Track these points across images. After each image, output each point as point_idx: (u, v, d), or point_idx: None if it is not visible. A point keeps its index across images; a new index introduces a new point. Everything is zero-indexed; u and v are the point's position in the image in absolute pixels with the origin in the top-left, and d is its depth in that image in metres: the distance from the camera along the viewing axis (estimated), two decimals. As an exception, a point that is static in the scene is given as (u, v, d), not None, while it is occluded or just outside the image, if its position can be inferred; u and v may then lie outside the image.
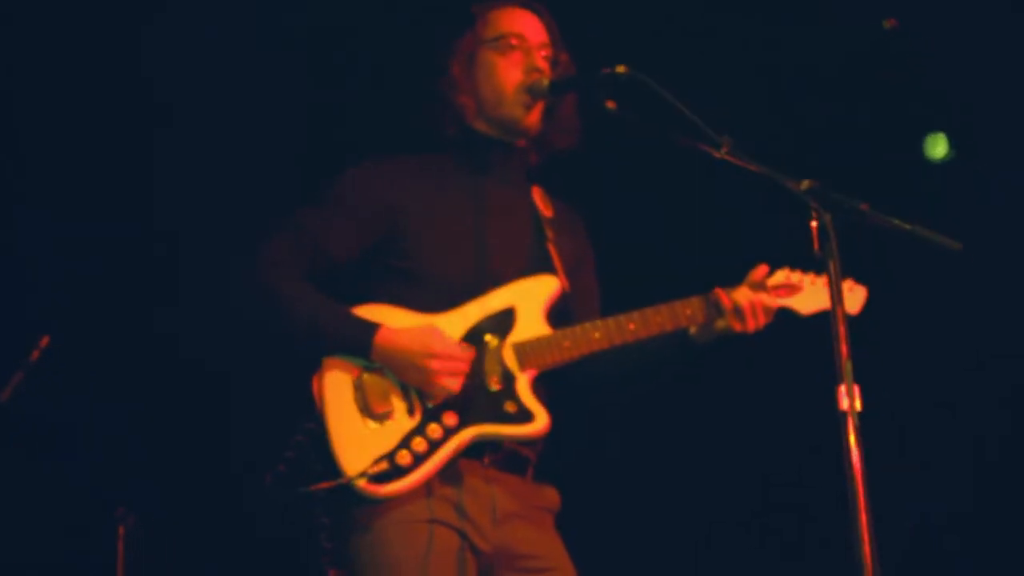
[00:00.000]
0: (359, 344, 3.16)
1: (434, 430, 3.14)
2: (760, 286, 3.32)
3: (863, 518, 2.62)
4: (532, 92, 3.39)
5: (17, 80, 5.20)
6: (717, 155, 3.03)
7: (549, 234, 3.43)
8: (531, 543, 3.25)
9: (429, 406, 3.17)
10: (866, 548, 2.62)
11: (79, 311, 5.28)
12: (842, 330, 2.75)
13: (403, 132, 3.57)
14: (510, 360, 3.22)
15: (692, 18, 5.43)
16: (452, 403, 3.17)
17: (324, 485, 3.09)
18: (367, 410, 3.15)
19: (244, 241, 3.32)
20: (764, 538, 5.69)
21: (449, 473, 3.16)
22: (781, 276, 3.36)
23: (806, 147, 5.37)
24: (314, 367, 3.21)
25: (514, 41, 3.43)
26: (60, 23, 5.16)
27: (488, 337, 3.24)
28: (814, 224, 2.82)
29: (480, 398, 3.18)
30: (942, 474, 5.47)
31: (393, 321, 3.20)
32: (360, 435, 3.12)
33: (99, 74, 5.24)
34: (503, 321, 3.25)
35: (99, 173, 5.37)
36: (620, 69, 3.13)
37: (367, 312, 3.24)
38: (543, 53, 3.45)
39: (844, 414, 2.69)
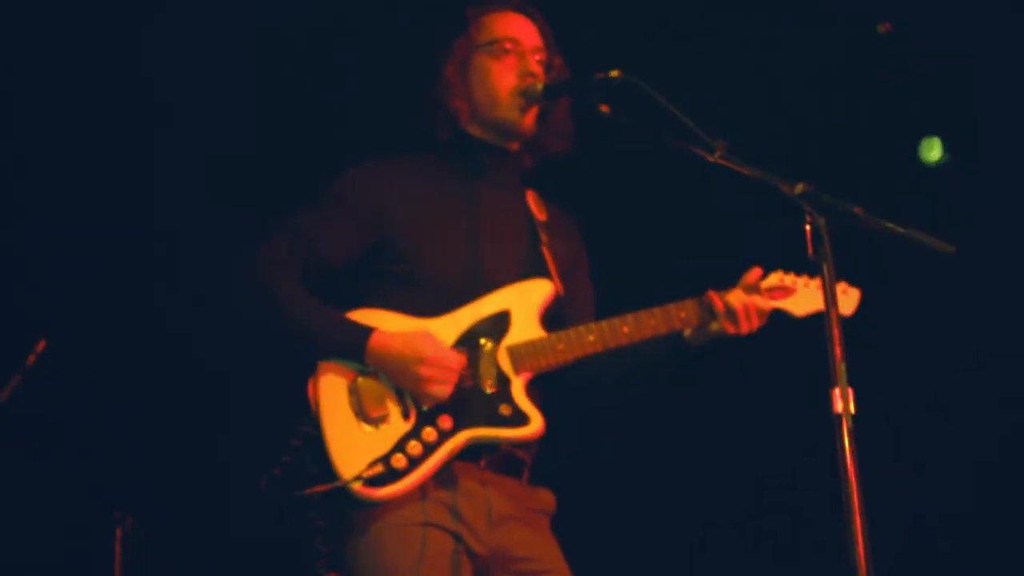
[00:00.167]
0: (353, 348, 3.17)
1: (429, 433, 3.15)
2: (754, 288, 3.33)
3: (857, 520, 2.62)
4: (526, 96, 3.39)
5: (17, 80, 5.20)
6: (711, 159, 3.03)
7: (543, 237, 3.44)
8: (527, 545, 3.25)
9: (424, 409, 3.17)
10: (860, 551, 2.62)
11: (78, 311, 5.28)
12: (836, 333, 2.75)
13: (400, 133, 3.57)
14: (505, 363, 3.23)
15: (685, 22, 5.43)
16: (447, 406, 3.17)
17: (319, 488, 3.10)
18: (362, 414, 3.15)
19: (243, 241, 3.32)
20: (758, 540, 5.69)
21: (444, 476, 3.16)
22: (775, 278, 3.37)
23: (800, 150, 5.37)
24: (310, 370, 3.21)
25: (508, 45, 3.43)
26: (60, 23, 5.16)
27: (483, 340, 3.24)
28: (808, 227, 2.83)
29: (475, 401, 3.18)
30: (936, 477, 5.47)
31: (388, 325, 3.20)
32: (355, 438, 3.13)
33: (99, 74, 5.24)
34: (498, 324, 3.26)
35: (99, 173, 5.37)
36: (614, 73, 3.13)
37: (362, 316, 3.24)
38: (537, 57, 3.45)
39: (838, 417, 2.69)
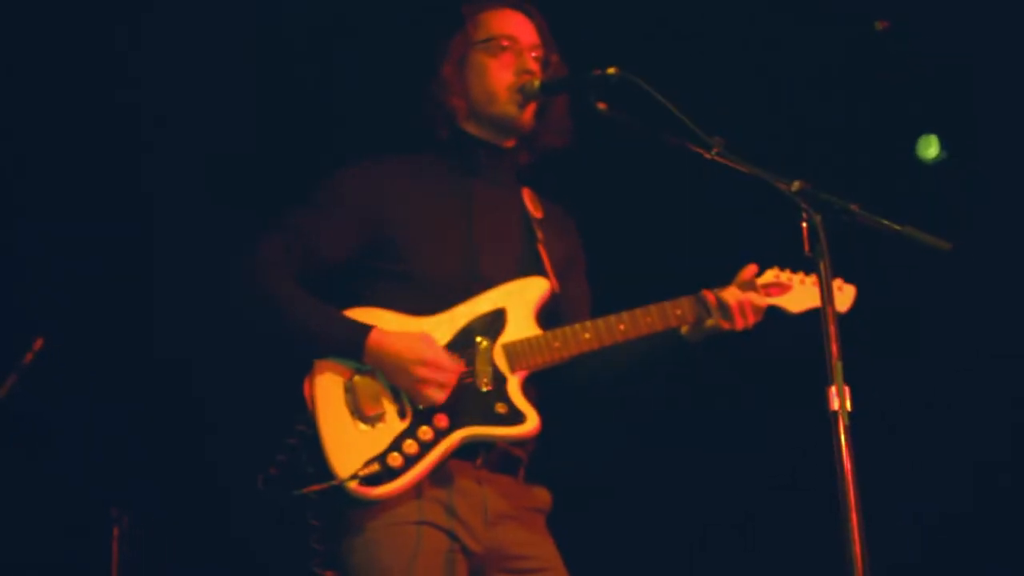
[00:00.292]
0: (351, 346, 3.16)
1: (425, 432, 3.14)
2: (749, 285, 3.33)
3: (853, 519, 2.63)
4: (524, 93, 3.39)
5: (16, 80, 5.20)
6: (708, 156, 3.04)
7: (539, 235, 3.44)
8: (523, 544, 3.26)
9: (420, 408, 3.17)
10: (856, 548, 2.62)
11: (76, 310, 5.28)
12: (833, 330, 2.75)
13: (397, 132, 3.57)
14: (500, 361, 3.23)
15: (683, 20, 5.43)
16: (443, 405, 3.16)
17: (315, 487, 3.09)
18: (358, 412, 3.15)
19: (241, 241, 3.32)
20: (755, 539, 5.69)
21: (440, 475, 3.16)
22: (771, 275, 3.37)
23: (798, 148, 5.37)
24: (306, 369, 3.21)
25: (505, 43, 3.43)
26: (59, 23, 5.16)
27: (478, 338, 3.24)
28: (804, 224, 2.83)
29: (471, 400, 3.18)
30: (933, 475, 5.47)
31: (384, 324, 3.20)
32: (351, 437, 3.12)
33: (99, 74, 5.24)
34: (493, 322, 3.26)
35: (98, 173, 5.37)
36: (611, 70, 3.14)
37: (358, 314, 3.24)
38: (534, 54, 3.45)
39: (834, 414, 2.69)
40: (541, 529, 3.34)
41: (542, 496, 3.38)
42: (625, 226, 5.50)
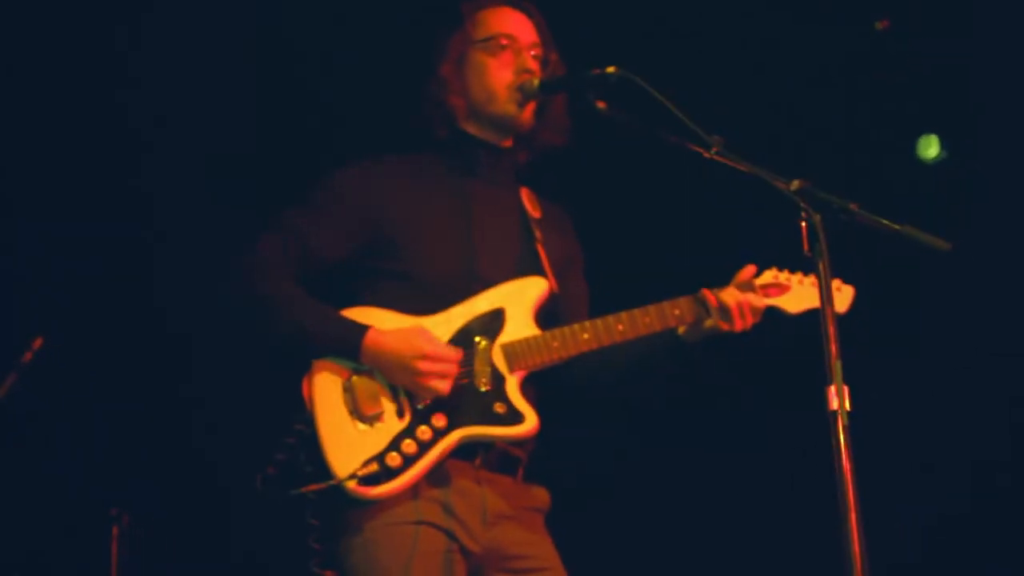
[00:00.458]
0: (348, 346, 3.16)
1: (424, 432, 3.14)
2: (748, 286, 3.32)
3: (852, 518, 2.62)
4: (523, 92, 3.39)
5: (16, 80, 5.20)
6: (707, 155, 3.04)
7: (538, 235, 3.43)
8: (521, 544, 3.25)
9: (418, 408, 3.16)
10: (856, 548, 2.62)
11: (76, 310, 5.28)
12: (832, 330, 2.75)
13: (395, 133, 3.57)
14: (499, 361, 3.22)
15: (682, 19, 5.43)
16: (441, 405, 3.16)
17: (314, 487, 3.09)
18: (357, 412, 3.15)
19: (241, 241, 3.32)
20: (755, 538, 5.68)
21: (439, 474, 3.16)
22: (769, 276, 3.37)
23: (798, 147, 5.37)
24: (304, 369, 3.21)
25: (504, 41, 3.43)
26: (59, 23, 5.16)
27: (477, 338, 3.24)
28: (804, 224, 2.83)
29: (469, 399, 3.18)
30: (933, 474, 5.47)
31: (382, 323, 3.20)
32: (350, 437, 3.12)
33: (99, 74, 5.24)
34: (492, 322, 3.25)
35: (98, 173, 5.37)
36: (610, 69, 3.14)
37: (356, 314, 3.24)
38: (533, 53, 3.44)
39: (833, 414, 2.69)
40: (540, 529, 3.34)
41: (541, 496, 3.37)
42: (624, 226, 5.50)
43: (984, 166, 5.60)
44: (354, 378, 3.17)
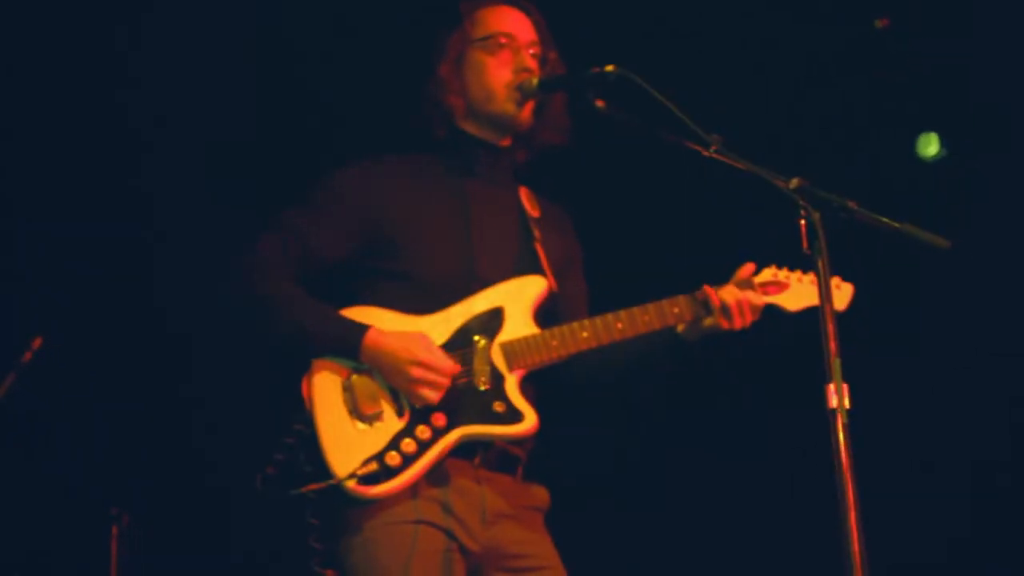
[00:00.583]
0: (348, 345, 3.16)
1: (423, 431, 3.14)
2: (747, 284, 3.32)
3: (852, 516, 2.62)
4: (522, 91, 3.39)
5: (16, 80, 5.20)
6: (706, 154, 3.04)
7: (536, 234, 3.43)
8: (521, 543, 3.25)
9: (417, 407, 3.16)
10: (856, 547, 2.62)
11: (76, 310, 5.28)
12: (831, 328, 2.75)
13: (393, 133, 3.57)
14: (498, 360, 3.22)
15: (682, 18, 5.43)
16: (441, 404, 3.16)
17: (313, 487, 3.09)
18: (356, 411, 3.15)
19: (240, 241, 3.32)
20: (755, 537, 5.68)
21: (438, 473, 3.15)
22: (768, 274, 3.37)
23: (796, 145, 5.37)
24: (304, 368, 3.21)
25: (503, 40, 3.43)
26: (59, 23, 5.16)
27: (476, 337, 3.24)
28: (803, 222, 2.83)
29: (469, 398, 3.18)
30: (933, 473, 5.47)
31: (382, 323, 3.20)
32: (349, 436, 3.12)
33: (99, 73, 5.24)
34: (491, 321, 3.25)
35: (98, 173, 5.37)
36: (609, 68, 3.13)
37: (356, 314, 3.24)
38: (532, 52, 3.44)
39: (833, 412, 2.69)
40: (539, 528, 3.34)
41: (540, 495, 3.37)
42: (623, 224, 5.50)
43: (984, 165, 5.60)
44: (353, 377, 3.17)
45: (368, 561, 3.10)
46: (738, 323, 3.27)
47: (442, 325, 3.23)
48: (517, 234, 3.42)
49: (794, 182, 2.90)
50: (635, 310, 3.27)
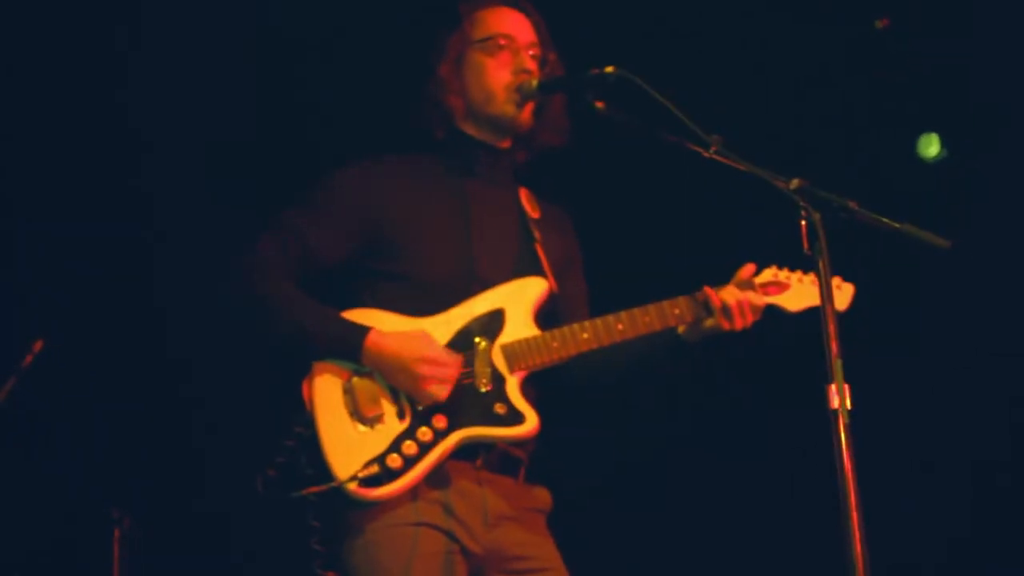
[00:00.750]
0: (349, 347, 3.16)
1: (424, 433, 3.14)
2: (748, 284, 3.32)
3: (854, 517, 2.62)
4: (521, 92, 3.38)
5: (16, 80, 5.20)
6: (706, 154, 3.03)
7: (537, 235, 3.43)
8: (523, 545, 3.25)
9: (419, 409, 3.16)
10: (857, 547, 2.62)
11: (76, 311, 5.28)
12: (832, 328, 2.75)
13: (393, 133, 3.57)
14: (499, 362, 3.22)
15: (681, 18, 5.43)
16: (442, 406, 3.16)
17: (315, 489, 3.09)
18: (357, 414, 3.14)
19: (240, 241, 3.31)
20: (755, 538, 5.68)
21: (440, 475, 3.15)
22: (769, 274, 3.37)
23: (796, 145, 5.37)
24: (305, 370, 3.20)
25: (502, 41, 3.42)
26: (59, 23, 5.16)
27: (477, 339, 3.23)
28: (803, 222, 2.82)
29: (470, 400, 3.17)
30: (933, 473, 5.47)
31: (382, 325, 3.19)
32: (350, 439, 3.12)
33: (98, 73, 5.24)
34: (492, 323, 3.25)
35: (98, 173, 5.37)
36: (609, 69, 3.13)
37: (356, 315, 3.23)
38: (531, 53, 3.44)
39: (834, 413, 2.69)
40: (541, 530, 3.34)
41: (542, 496, 3.37)
42: (623, 225, 5.50)
43: (984, 165, 5.60)
44: (354, 379, 3.17)
45: (369, 563, 3.10)
46: (739, 324, 3.27)
47: (443, 327, 3.23)
48: (517, 235, 3.42)
49: (794, 182, 2.89)
50: (636, 311, 3.27)
